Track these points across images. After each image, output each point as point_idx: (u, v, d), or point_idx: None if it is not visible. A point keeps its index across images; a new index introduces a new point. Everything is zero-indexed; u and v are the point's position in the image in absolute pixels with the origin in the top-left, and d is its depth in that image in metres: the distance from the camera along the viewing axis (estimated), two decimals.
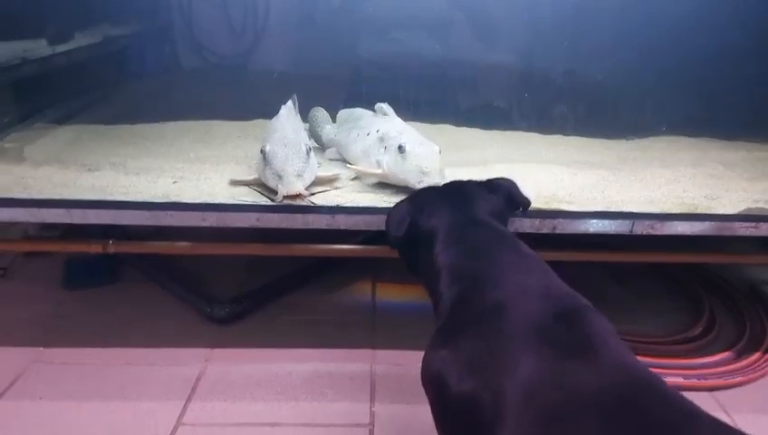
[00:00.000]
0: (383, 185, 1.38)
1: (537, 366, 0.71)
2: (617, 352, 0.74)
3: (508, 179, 1.12)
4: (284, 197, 1.26)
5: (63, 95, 1.98)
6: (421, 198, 1.06)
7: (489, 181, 1.10)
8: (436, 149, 1.30)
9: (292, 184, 1.25)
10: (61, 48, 1.98)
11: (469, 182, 1.11)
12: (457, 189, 1.07)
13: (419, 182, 1.25)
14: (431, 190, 1.11)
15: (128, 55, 2.12)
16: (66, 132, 1.76)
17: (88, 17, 2.04)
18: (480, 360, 0.76)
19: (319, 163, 1.55)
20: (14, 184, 1.36)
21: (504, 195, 1.09)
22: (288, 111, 1.52)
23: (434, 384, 0.82)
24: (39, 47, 1.93)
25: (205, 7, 2.03)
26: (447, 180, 1.24)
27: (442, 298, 0.89)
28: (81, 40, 2.04)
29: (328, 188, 1.38)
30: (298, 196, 1.26)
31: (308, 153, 1.32)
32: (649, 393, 0.68)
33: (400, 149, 1.29)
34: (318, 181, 1.38)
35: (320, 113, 1.70)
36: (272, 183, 1.29)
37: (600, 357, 0.72)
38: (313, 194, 1.32)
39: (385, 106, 1.52)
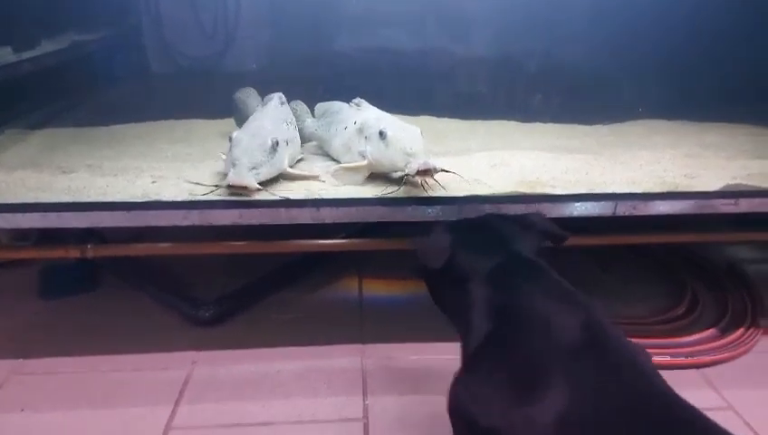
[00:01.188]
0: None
1: (570, 403, 0.71)
2: (651, 384, 0.74)
3: (540, 214, 1.10)
4: (230, 186, 1.22)
5: (36, 101, 1.94)
6: (461, 233, 1.02)
7: (523, 216, 1.08)
8: (418, 130, 1.30)
9: (241, 175, 1.21)
10: (27, 54, 1.94)
11: (504, 216, 1.09)
12: (495, 224, 1.05)
13: (407, 164, 1.23)
14: (469, 224, 1.08)
15: (100, 58, 2.08)
16: (40, 137, 1.72)
17: (55, 23, 1.99)
18: (510, 394, 0.76)
19: (301, 156, 1.54)
20: None
21: (539, 231, 1.05)
22: (277, 102, 1.50)
23: (462, 417, 0.81)
24: (4, 54, 1.89)
25: (177, 7, 2.00)
26: (433, 161, 1.24)
27: (473, 330, 0.88)
28: (48, 46, 2.01)
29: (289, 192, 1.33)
30: (245, 188, 1.21)
31: (274, 148, 1.29)
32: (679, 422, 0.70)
33: (381, 135, 1.28)
34: (292, 178, 1.36)
35: (299, 107, 1.69)
36: (228, 170, 1.26)
37: (636, 390, 0.73)
38: (261, 189, 1.26)
39: (357, 100, 1.51)
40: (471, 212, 1.25)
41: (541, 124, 1.91)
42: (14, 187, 1.32)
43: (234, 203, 1.27)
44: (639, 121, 1.93)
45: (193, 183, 1.30)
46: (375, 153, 1.31)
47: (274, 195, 1.28)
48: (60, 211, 1.24)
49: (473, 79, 2.02)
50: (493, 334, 0.85)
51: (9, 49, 1.91)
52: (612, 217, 1.32)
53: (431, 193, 1.30)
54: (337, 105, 1.59)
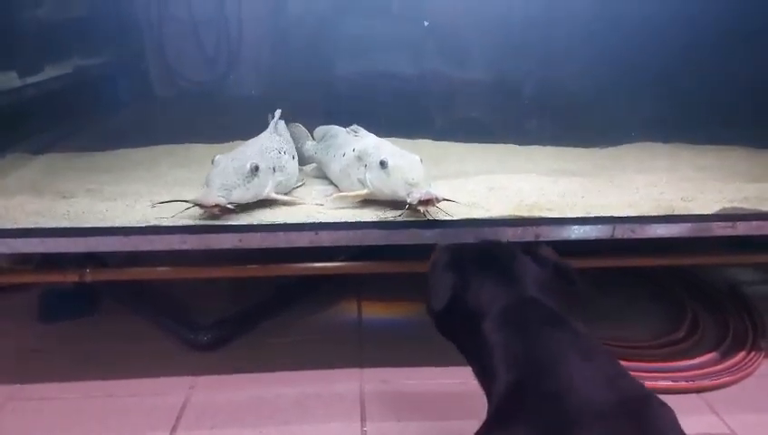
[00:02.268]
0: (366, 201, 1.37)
1: None
2: None
3: (550, 249, 1.04)
4: (198, 205, 1.24)
5: (37, 126, 1.95)
6: (464, 266, 0.98)
7: (534, 250, 1.03)
8: (417, 158, 1.31)
9: (208, 195, 1.24)
10: (31, 80, 1.96)
11: (514, 248, 1.03)
12: (505, 259, 0.99)
13: (408, 194, 1.23)
14: (473, 255, 1.02)
15: (102, 84, 2.10)
16: (41, 162, 1.73)
17: (58, 49, 2.02)
18: None
19: (301, 183, 1.55)
20: None
21: (552, 268, 1.00)
22: (272, 128, 1.53)
23: None
24: (8, 79, 1.91)
25: (177, 32, 2.02)
26: (436, 189, 1.24)
27: (496, 380, 0.84)
28: (51, 71, 2.03)
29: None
30: (215, 207, 1.23)
31: (253, 173, 1.30)
32: None
33: (382, 164, 1.29)
34: (280, 204, 1.38)
35: (297, 130, 1.70)
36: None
37: None
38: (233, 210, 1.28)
39: (354, 127, 1.53)
40: (468, 236, 1.26)
41: (538, 147, 1.93)
42: (14, 212, 1.32)
43: (233, 227, 1.28)
44: (635, 145, 1.94)
45: (166, 202, 1.30)
46: (376, 182, 1.31)
47: (253, 218, 1.30)
48: (59, 236, 1.25)
49: (470, 102, 2.04)
50: (514, 386, 0.82)
51: (13, 74, 1.93)
52: (610, 239, 1.33)
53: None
54: (335, 129, 1.61)
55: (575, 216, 1.33)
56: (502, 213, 1.34)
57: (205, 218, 1.29)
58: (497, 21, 1.94)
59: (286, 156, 1.50)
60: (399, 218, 1.30)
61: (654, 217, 1.35)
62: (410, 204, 1.24)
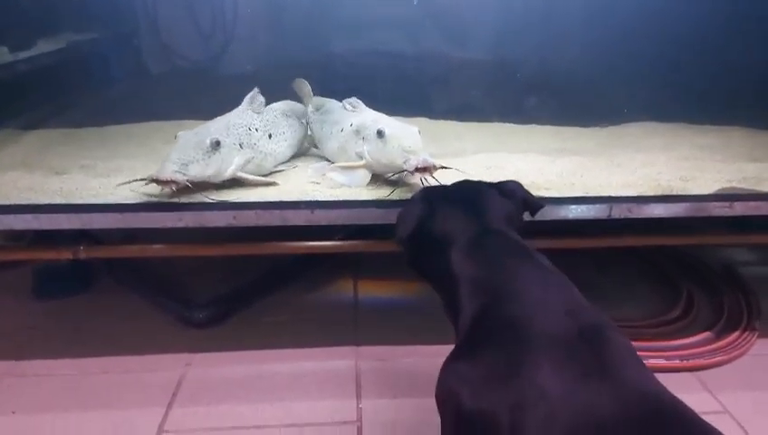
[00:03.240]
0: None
1: (559, 387, 0.69)
2: (639, 375, 0.72)
3: (518, 183, 1.06)
4: (154, 180, 1.19)
5: (29, 101, 1.92)
6: (433, 199, 1.00)
7: (501, 185, 1.04)
8: (415, 129, 1.29)
9: (164, 169, 1.19)
10: (23, 54, 1.92)
11: (481, 184, 1.05)
12: (472, 193, 1.01)
13: (405, 162, 1.22)
14: (443, 191, 1.04)
15: (94, 59, 2.07)
16: (33, 137, 1.71)
17: (51, 23, 1.98)
18: (499, 377, 0.73)
19: (294, 165, 1.51)
20: None
21: (519, 200, 1.03)
22: (245, 105, 1.46)
23: (448, 400, 0.79)
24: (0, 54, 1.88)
25: (171, 8, 1.99)
26: (432, 158, 1.21)
27: (462, 312, 0.86)
28: (43, 46, 1.99)
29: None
30: (171, 182, 1.18)
31: (213, 148, 1.25)
32: (673, 423, 0.67)
33: (379, 134, 1.27)
34: (249, 184, 1.34)
35: (304, 87, 1.65)
36: None
37: (624, 381, 0.70)
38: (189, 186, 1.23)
39: (353, 100, 1.48)
40: None
41: (537, 126, 1.91)
42: (6, 188, 1.31)
43: (228, 205, 1.27)
44: (635, 124, 1.93)
45: (126, 182, 1.27)
46: (373, 152, 1.29)
47: (207, 197, 1.26)
48: (52, 213, 1.23)
49: (468, 81, 2.02)
50: (477, 316, 0.83)
51: (5, 49, 1.90)
52: (608, 219, 1.32)
53: None
54: (330, 104, 1.58)
55: (572, 195, 1.32)
56: None
57: (161, 196, 1.24)
58: None
59: (259, 133, 1.41)
60: (395, 190, 1.28)
61: (651, 196, 1.34)
62: (406, 171, 1.22)
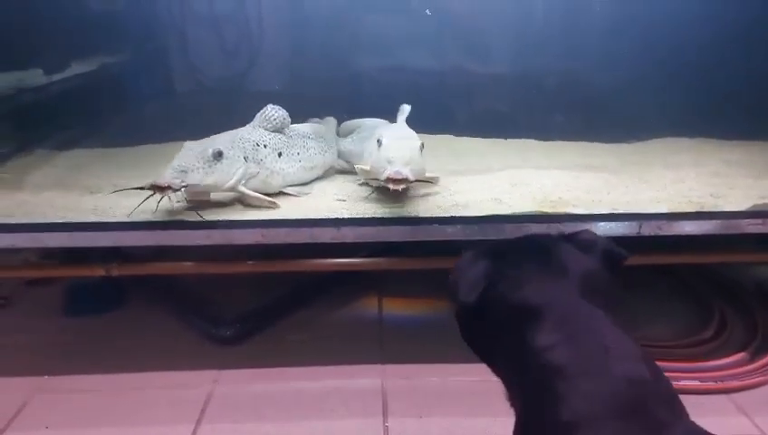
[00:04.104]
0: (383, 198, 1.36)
1: None
2: None
3: (594, 233, 0.85)
4: (152, 186, 1.20)
5: (63, 122, 1.98)
6: (504, 257, 0.78)
7: (577, 238, 0.84)
8: (417, 143, 1.29)
9: (163, 174, 1.21)
10: (57, 77, 1.99)
11: (557, 239, 0.83)
12: (549, 251, 0.79)
13: (383, 171, 1.22)
14: (515, 247, 0.82)
15: (126, 80, 2.13)
16: (67, 158, 1.76)
17: (83, 46, 2.05)
18: None
19: (307, 191, 1.49)
20: (16, 209, 1.35)
21: (601, 254, 0.81)
22: (256, 121, 1.47)
23: None
24: (35, 76, 1.94)
25: (200, 29, 2.04)
26: (408, 171, 1.19)
27: (548, 413, 0.65)
28: (76, 68, 2.06)
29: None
30: (168, 188, 1.20)
31: (215, 159, 1.27)
32: None
33: (378, 143, 1.30)
34: (248, 200, 1.36)
35: (331, 125, 1.69)
36: None
37: None
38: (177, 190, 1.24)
39: (404, 106, 1.51)
40: (492, 232, 1.24)
41: (561, 142, 1.91)
42: (43, 207, 1.35)
43: (255, 223, 1.29)
44: (661, 140, 1.91)
45: (121, 190, 1.30)
46: (371, 160, 1.33)
47: (198, 213, 1.29)
48: (86, 231, 1.27)
49: (492, 97, 2.02)
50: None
51: (39, 71, 1.97)
52: (636, 236, 1.31)
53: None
54: (366, 122, 1.61)
55: (601, 212, 1.31)
56: (525, 209, 1.32)
57: (161, 202, 1.25)
58: (519, 14, 1.92)
59: (267, 150, 1.41)
60: (369, 197, 1.30)
61: (681, 213, 1.32)
62: (381, 181, 1.23)
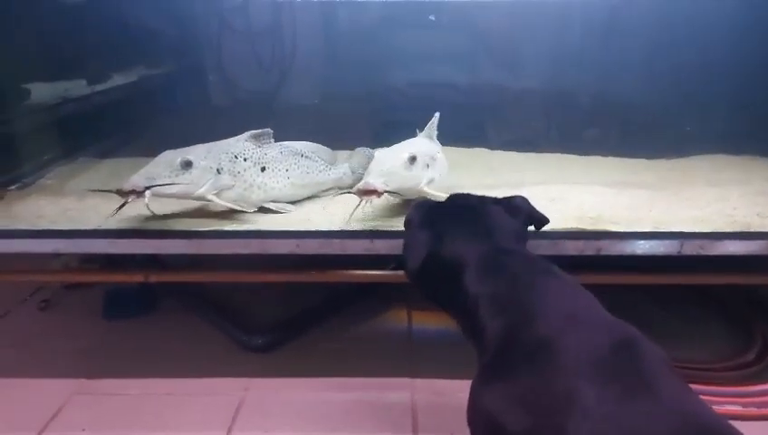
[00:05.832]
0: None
1: (599, 405, 0.67)
2: (680, 391, 0.70)
3: (523, 198, 1.06)
4: (117, 190, 1.24)
5: (104, 131, 2.05)
6: (435, 220, 1.00)
7: (506, 201, 1.05)
8: (404, 156, 1.26)
9: (131, 179, 1.24)
10: (99, 87, 2.06)
11: (485, 201, 1.04)
12: (475, 212, 1.01)
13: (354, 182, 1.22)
14: (442, 210, 1.03)
15: (164, 91, 2.19)
16: (108, 165, 1.80)
17: (124, 58, 2.12)
18: (537, 397, 0.71)
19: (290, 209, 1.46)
20: (59, 216, 1.39)
21: (524, 216, 1.04)
22: (244, 135, 1.45)
23: (485, 424, 0.76)
24: (79, 87, 2.01)
25: (235, 44, 2.09)
26: (378, 182, 1.18)
27: (485, 331, 0.84)
28: (118, 79, 2.13)
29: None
30: (131, 192, 1.22)
31: (183, 167, 1.28)
32: None
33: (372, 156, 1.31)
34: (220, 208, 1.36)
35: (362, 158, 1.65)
36: None
37: (666, 398, 0.68)
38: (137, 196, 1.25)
39: (435, 115, 1.51)
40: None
41: (599, 158, 1.87)
42: (86, 213, 1.38)
43: (290, 233, 1.30)
44: (703, 156, 1.86)
45: (95, 190, 1.34)
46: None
47: (153, 212, 1.31)
48: (127, 238, 1.30)
49: (527, 111, 2.01)
50: (503, 334, 0.81)
51: (83, 82, 2.04)
52: (676, 256, 1.27)
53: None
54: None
55: (641, 230, 1.28)
56: (563, 225, 1.30)
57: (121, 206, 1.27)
58: (557, 28, 1.90)
59: (247, 163, 1.39)
60: (355, 210, 1.28)
61: (725, 233, 1.28)
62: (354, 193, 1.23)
